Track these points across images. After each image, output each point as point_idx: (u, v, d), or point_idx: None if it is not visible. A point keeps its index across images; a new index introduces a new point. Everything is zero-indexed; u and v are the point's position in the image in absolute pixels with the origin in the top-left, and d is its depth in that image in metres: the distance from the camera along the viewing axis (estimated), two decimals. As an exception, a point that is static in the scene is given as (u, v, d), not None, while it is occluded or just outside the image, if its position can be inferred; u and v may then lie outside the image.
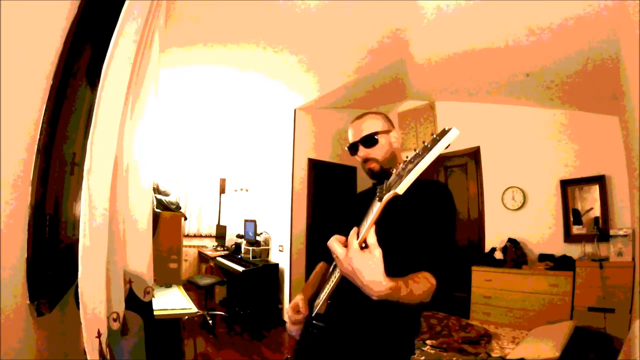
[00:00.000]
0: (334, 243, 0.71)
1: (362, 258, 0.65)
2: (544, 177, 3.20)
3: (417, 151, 0.59)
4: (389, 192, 0.61)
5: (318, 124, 4.16)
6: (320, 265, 1.22)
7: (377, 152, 1.03)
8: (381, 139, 1.03)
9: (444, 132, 0.56)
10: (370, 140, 1.03)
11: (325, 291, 0.92)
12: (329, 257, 1.18)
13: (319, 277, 1.16)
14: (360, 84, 3.36)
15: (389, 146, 1.05)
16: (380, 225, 0.79)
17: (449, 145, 0.57)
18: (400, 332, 0.94)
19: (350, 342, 0.93)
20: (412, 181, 0.58)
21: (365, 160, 1.04)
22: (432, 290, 0.79)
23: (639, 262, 2.37)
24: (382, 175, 1.02)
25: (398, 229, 0.89)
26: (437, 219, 0.90)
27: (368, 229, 0.66)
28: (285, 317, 1.03)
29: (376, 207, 0.64)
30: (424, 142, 0.58)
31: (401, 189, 0.59)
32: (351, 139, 1.07)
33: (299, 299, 1.03)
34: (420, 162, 0.57)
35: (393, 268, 0.79)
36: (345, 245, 0.70)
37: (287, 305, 3.61)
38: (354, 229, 0.69)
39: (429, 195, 0.93)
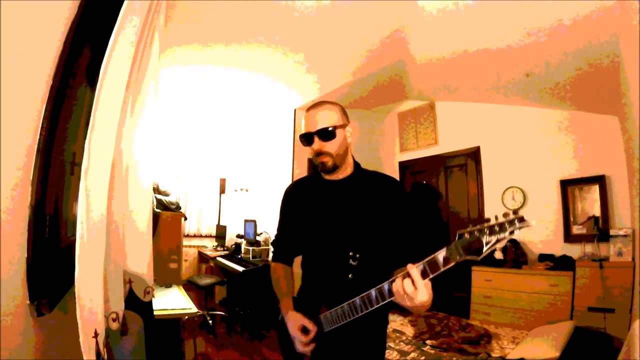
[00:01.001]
0: (409, 284, 0.74)
1: (427, 290, 0.73)
2: (544, 177, 3.20)
3: (494, 224, 0.66)
4: (466, 255, 0.68)
5: (318, 124, 4.15)
6: (275, 267, 1.16)
7: (332, 147, 0.99)
8: (338, 133, 1.00)
9: (522, 220, 0.64)
10: (327, 134, 0.99)
11: (345, 316, 0.90)
12: (285, 258, 1.17)
13: (290, 283, 1.12)
14: (361, 84, 3.35)
15: (344, 141, 1.02)
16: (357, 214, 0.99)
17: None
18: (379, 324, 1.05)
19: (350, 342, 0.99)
20: (489, 250, 0.67)
21: (319, 154, 1.00)
22: None
23: (639, 262, 2.37)
24: (333, 169, 1.02)
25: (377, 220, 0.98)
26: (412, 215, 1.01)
27: (432, 275, 0.73)
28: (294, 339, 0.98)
29: (443, 261, 0.71)
30: (497, 219, 0.67)
31: (482, 256, 0.67)
32: (305, 128, 1.02)
33: (299, 318, 0.97)
34: (500, 240, 0.66)
35: (374, 260, 0.96)
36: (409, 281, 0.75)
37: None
38: (414, 270, 0.73)
39: (392, 190, 1.03)
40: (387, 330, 1.12)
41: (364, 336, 1.00)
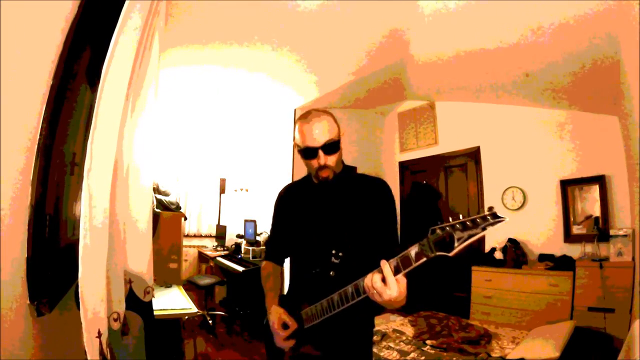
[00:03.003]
0: (378, 279, 0.76)
1: (398, 287, 0.75)
2: (544, 177, 3.19)
3: (465, 220, 0.67)
4: (438, 252, 0.68)
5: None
6: (265, 266, 1.21)
7: (335, 160, 1.00)
8: (340, 145, 1.02)
9: (495, 217, 0.64)
10: (333, 147, 0.99)
11: (323, 312, 0.93)
12: (275, 257, 1.22)
13: (278, 281, 1.16)
14: (360, 83, 3.35)
15: (341, 150, 1.03)
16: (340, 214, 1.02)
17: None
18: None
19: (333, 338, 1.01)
20: (462, 249, 0.67)
21: (322, 168, 0.99)
22: None
23: (639, 262, 2.37)
24: (333, 181, 1.03)
25: (357, 220, 1.00)
26: (389, 215, 1.03)
27: (404, 271, 0.75)
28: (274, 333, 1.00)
29: (415, 256, 0.72)
30: (470, 217, 0.67)
31: (453, 253, 0.67)
32: (307, 142, 0.98)
33: (281, 313, 1.00)
34: (473, 237, 0.65)
35: (356, 257, 0.97)
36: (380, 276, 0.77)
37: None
38: (386, 266, 0.75)
39: (378, 192, 1.05)
40: (387, 331, 1.13)
41: (346, 337, 1.01)
